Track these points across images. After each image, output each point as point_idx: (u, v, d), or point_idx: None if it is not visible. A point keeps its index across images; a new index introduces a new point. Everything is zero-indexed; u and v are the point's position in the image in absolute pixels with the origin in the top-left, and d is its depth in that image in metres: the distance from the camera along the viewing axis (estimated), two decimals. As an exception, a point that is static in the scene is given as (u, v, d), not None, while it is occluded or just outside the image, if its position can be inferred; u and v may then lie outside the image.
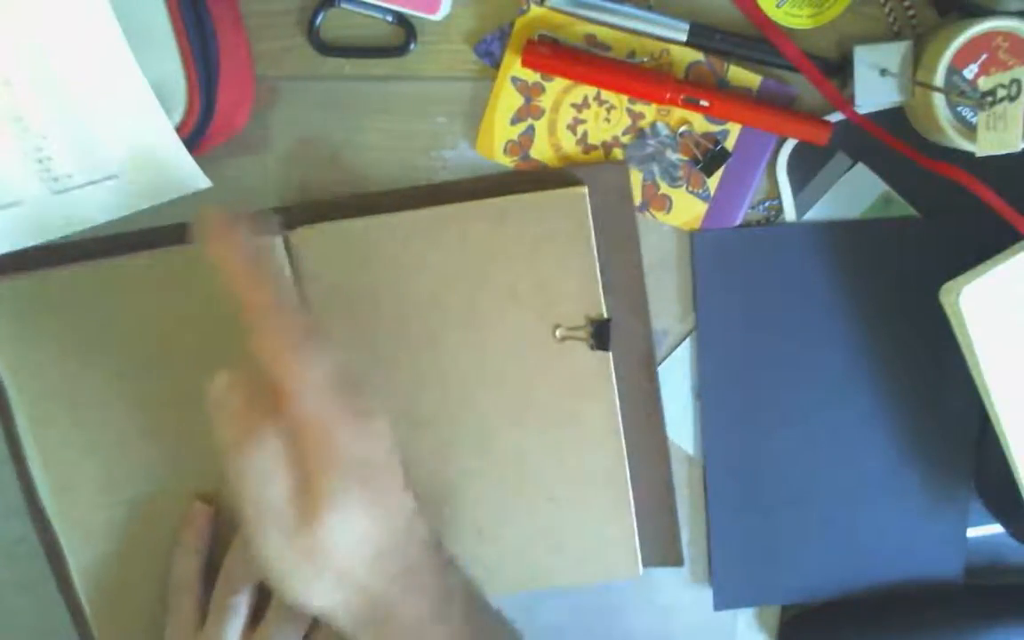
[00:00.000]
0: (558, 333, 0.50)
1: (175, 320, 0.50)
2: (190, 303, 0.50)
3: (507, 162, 0.51)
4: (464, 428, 0.52)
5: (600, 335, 0.50)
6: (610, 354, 0.50)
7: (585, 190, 0.49)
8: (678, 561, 0.54)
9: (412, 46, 0.50)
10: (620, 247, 0.51)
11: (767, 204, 0.52)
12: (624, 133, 0.50)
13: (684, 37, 0.49)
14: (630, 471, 0.52)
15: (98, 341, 0.50)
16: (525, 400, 0.51)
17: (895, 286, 0.51)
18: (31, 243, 0.46)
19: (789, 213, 0.51)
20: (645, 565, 0.53)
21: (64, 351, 0.50)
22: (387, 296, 0.50)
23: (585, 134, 0.50)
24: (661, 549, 0.54)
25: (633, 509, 0.52)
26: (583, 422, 0.51)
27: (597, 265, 0.50)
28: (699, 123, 0.50)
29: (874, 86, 0.47)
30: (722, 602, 0.55)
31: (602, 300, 0.50)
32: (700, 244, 0.51)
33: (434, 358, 0.51)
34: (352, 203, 0.51)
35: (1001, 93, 0.42)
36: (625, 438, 0.51)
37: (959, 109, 0.46)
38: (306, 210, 0.51)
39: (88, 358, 0.50)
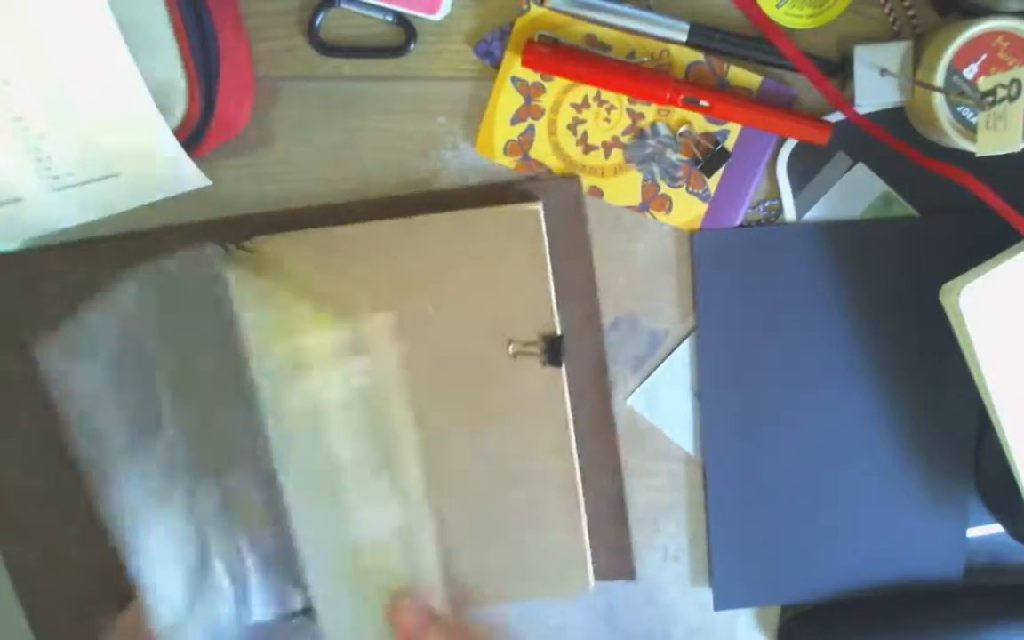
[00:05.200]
0: (511, 349, 0.50)
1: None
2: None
3: (507, 162, 0.51)
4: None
5: (553, 352, 0.50)
6: (563, 369, 0.50)
7: (539, 207, 0.49)
8: (631, 575, 0.54)
9: (412, 46, 0.50)
10: (573, 258, 0.51)
11: (767, 204, 0.52)
12: (624, 133, 0.50)
13: (684, 37, 0.49)
14: (583, 484, 0.52)
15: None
16: (479, 415, 0.51)
17: (895, 286, 0.51)
18: (30, 237, 0.46)
19: (789, 213, 0.51)
20: (598, 578, 0.53)
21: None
22: (347, 306, 0.50)
23: (585, 134, 0.51)
24: (614, 563, 0.54)
25: (585, 523, 0.52)
26: (536, 438, 0.51)
27: (551, 282, 0.49)
28: (699, 123, 0.50)
29: (874, 86, 0.47)
30: (722, 602, 0.55)
31: (556, 317, 0.50)
32: (700, 244, 0.51)
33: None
34: (327, 213, 0.51)
35: (1001, 93, 0.42)
36: (578, 451, 0.51)
37: (959, 109, 0.46)
38: (280, 219, 0.51)
39: None
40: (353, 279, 0.50)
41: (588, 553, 0.52)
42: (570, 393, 0.51)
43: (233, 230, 0.50)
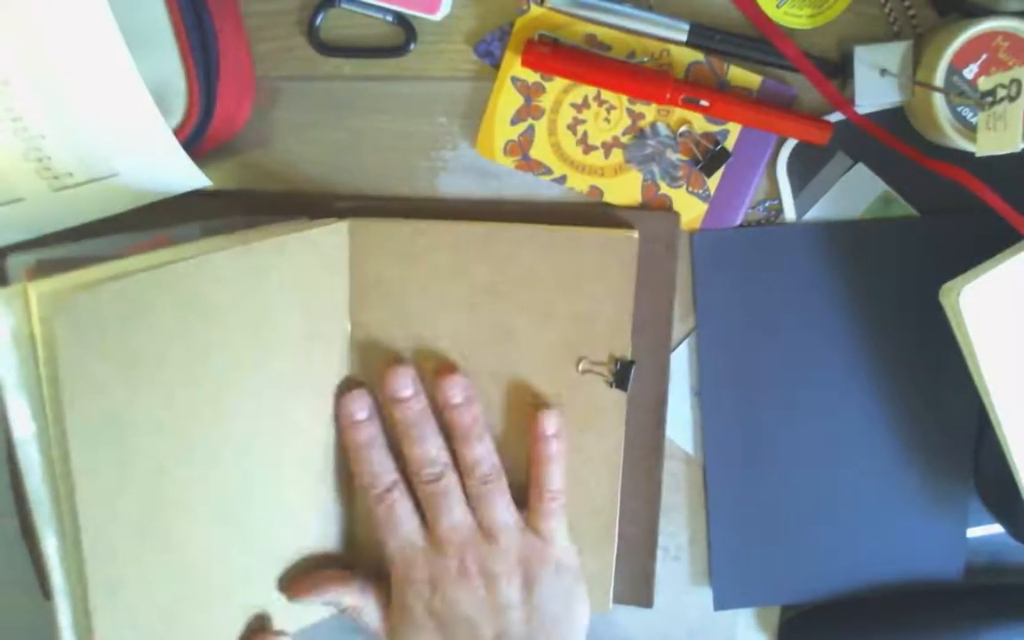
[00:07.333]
0: (581, 366, 0.50)
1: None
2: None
3: (507, 162, 0.51)
4: None
5: (621, 376, 0.50)
6: (625, 395, 0.51)
7: (637, 235, 0.49)
8: (648, 603, 0.54)
9: (412, 46, 0.50)
10: (655, 290, 0.51)
11: (767, 204, 0.52)
12: (624, 133, 0.50)
13: (684, 37, 0.49)
14: (620, 508, 0.52)
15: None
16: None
17: (895, 286, 0.51)
18: (30, 236, 0.46)
19: (789, 213, 0.51)
20: (616, 601, 0.53)
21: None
22: (427, 300, 0.50)
23: (585, 134, 0.51)
24: (635, 590, 0.54)
25: (615, 548, 0.52)
26: (586, 455, 0.51)
27: (632, 308, 0.50)
28: (699, 123, 0.50)
29: (874, 86, 0.47)
30: (722, 602, 0.55)
31: (630, 342, 0.50)
32: (700, 244, 0.51)
33: (460, 368, 0.51)
34: (402, 206, 0.51)
35: (1001, 93, 0.42)
36: (622, 476, 0.51)
37: (959, 109, 0.46)
38: (360, 204, 0.51)
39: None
40: (442, 274, 0.50)
41: (612, 578, 0.52)
42: (626, 420, 0.51)
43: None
